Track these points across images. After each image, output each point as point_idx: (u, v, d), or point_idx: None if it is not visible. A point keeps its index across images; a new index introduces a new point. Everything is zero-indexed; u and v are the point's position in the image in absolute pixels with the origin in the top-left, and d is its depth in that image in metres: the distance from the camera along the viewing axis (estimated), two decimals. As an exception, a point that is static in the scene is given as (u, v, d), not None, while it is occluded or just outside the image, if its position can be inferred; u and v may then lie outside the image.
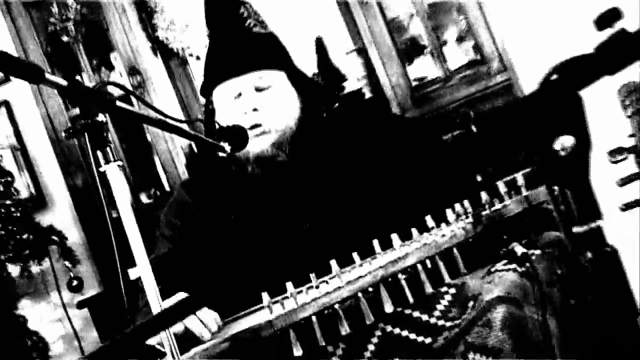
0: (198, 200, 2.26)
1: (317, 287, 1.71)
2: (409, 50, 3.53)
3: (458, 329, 1.69)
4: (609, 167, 1.69)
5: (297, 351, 1.65)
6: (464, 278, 1.77)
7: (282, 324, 1.66)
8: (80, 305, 3.45)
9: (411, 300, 1.72)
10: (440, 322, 1.75)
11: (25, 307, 3.83)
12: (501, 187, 1.91)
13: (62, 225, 3.76)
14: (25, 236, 3.54)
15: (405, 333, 1.74)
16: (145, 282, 1.45)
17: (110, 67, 3.70)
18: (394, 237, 1.77)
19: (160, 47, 3.64)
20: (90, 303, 3.46)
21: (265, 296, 1.68)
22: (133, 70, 3.46)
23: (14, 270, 3.69)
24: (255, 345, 1.68)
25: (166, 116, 1.67)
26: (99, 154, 1.36)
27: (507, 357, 1.62)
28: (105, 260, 3.55)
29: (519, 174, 1.93)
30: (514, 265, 1.75)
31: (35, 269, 3.70)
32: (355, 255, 1.74)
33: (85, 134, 1.38)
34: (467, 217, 1.82)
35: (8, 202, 3.56)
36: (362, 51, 3.54)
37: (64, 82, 1.34)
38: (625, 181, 1.69)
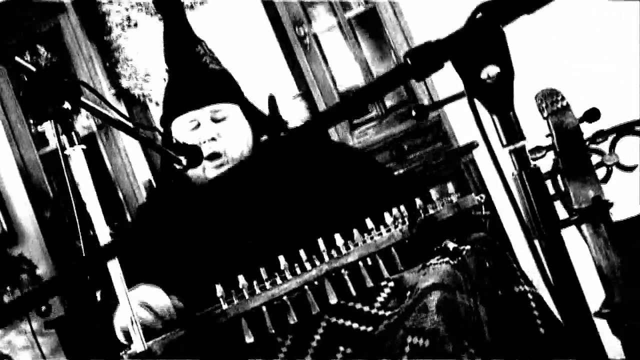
0: (156, 214, 2.22)
1: (266, 280, 1.67)
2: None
3: (397, 316, 1.66)
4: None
5: (249, 338, 1.62)
6: (402, 273, 1.76)
7: (234, 312, 1.62)
8: (47, 325, 3.34)
9: (354, 293, 1.71)
10: (381, 312, 1.73)
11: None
12: (433, 193, 1.90)
13: (33, 256, 3.66)
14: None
15: (348, 323, 1.71)
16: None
17: (77, 111, 3.64)
18: (337, 236, 1.75)
19: (123, 94, 3.60)
20: (58, 324, 3.35)
21: (218, 287, 1.63)
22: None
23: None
24: (210, 333, 1.63)
25: (127, 120, 1.63)
26: (64, 138, 1.30)
27: (442, 338, 1.59)
28: (71, 286, 3.44)
29: (450, 183, 1.92)
30: (446, 259, 1.74)
31: (6, 298, 3.60)
32: (301, 252, 1.71)
33: (52, 120, 1.32)
34: (403, 221, 1.81)
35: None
36: (306, 95, 3.54)
37: (32, 68, 1.28)
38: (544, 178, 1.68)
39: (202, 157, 1.92)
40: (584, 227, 1.73)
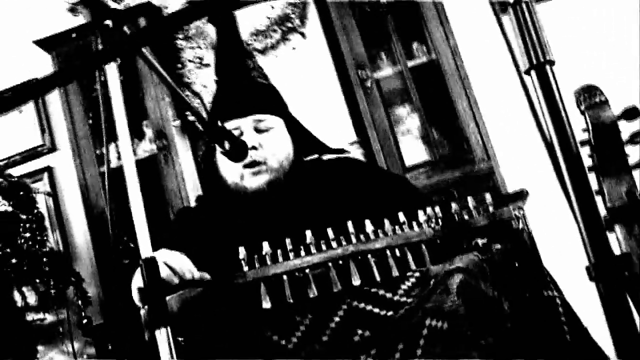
0: (203, 210, 2.25)
1: (290, 250, 1.66)
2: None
3: (418, 298, 1.63)
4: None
5: (266, 304, 1.60)
6: (429, 266, 1.72)
7: (254, 276, 1.61)
8: (85, 332, 3.36)
9: (378, 278, 1.68)
10: (403, 299, 1.69)
11: (40, 353, 3.72)
12: (470, 201, 1.88)
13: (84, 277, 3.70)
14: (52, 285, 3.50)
15: (369, 307, 1.67)
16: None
17: (141, 136, 3.75)
18: (367, 222, 1.74)
19: (187, 126, 3.70)
20: (95, 331, 3.37)
21: (241, 250, 1.63)
22: (160, 134, 3.50)
23: (33, 316, 3.61)
24: (228, 292, 1.62)
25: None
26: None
27: (461, 320, 1.54)
28: (114, 312, 3.48)
29: (488, 194, 1.90)
30: (475, 252, 1.70)
31: (51, 317, 3.63)
32: (329, 230, 1.70)
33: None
34: (436, 221, 1.79)
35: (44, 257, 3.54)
36: (363, 143, 3.57)
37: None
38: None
39: (246, 153, 1.94)
40: (617, 227, 1.67)
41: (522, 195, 3.13)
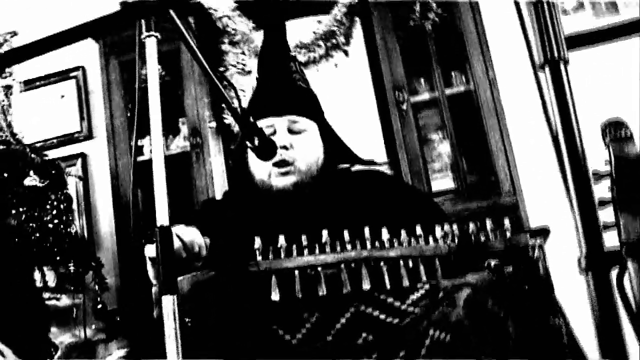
0: (227, 202, 2.27)
1: (305, 247, 1.68)
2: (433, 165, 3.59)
3: (425, 308, 1.63)
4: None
5: (275, 295, 1.61)
6: (440, 280, 1.73)
7: (267, 267, 1.63)
8: (97, 315, 3.39)
9: (388, 286, 1.68)
10: (410, 309, 1.70)
11: (52, 335, 3.75)
12: (488, 224, 1.88)
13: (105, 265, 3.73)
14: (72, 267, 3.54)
15: (376, 313, 1.68)
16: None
17: (176, 132, 3.80)
18: (384, 230, 1.75)
19: (223, 129, 3.74)
20: (108, 315, 3.40)
21: (257, 239, 1.64)
22: (195, 132, 3.55)
23: (49, 296, 3.64)
24: (240, 280, 1.63)
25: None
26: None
27: (464, 334, 1.55)
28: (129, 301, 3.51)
29: (507, 219, 1.90)
30: (486, 271, 1.71)
31: (67, 300, 3.66)
32: (345, 232, 1.71)
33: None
34: (452, 239, 1.80)
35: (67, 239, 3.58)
36: (393, 164, 3.58)
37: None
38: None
39: (274, 152, 1.96)
40: (629, 263, 1.67)
41: (544, 232, 3.11)
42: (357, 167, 2.33)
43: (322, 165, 2.19)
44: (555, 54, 0.85)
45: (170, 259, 1.19)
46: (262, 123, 2.16)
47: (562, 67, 0.86)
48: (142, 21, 1.33)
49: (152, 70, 1.29)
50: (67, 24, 1.56)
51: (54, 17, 4.00)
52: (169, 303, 1.16)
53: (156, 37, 1.33)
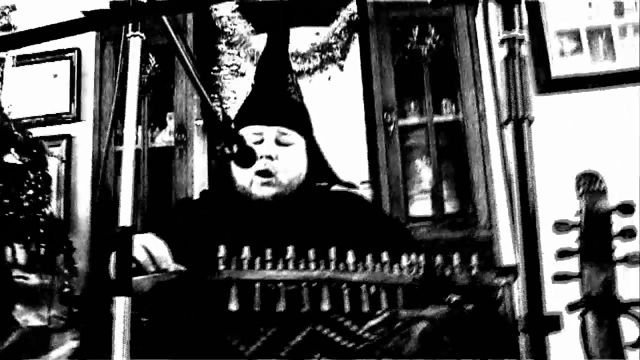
0: (203, 204, 2.27)
1: (269, 260, 1.68)
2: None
3: (380, 337, 1.64)
4: (551, 236, 1.67)
5: (234, 306, 1.61)
6: (400, 310, 1.74)
7: (228, 276, 1.63)
8: (62, 300, 3.36)
9: (347, 309, 1.68)
10: (366, 335, 1.70)
11: (17, 312, 3.72)
12: (455, 258, 1.89)
13: (78, 249, 3.70)
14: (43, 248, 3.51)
15: (332, 335, 1.69)
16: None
17: (163, 126, 3.79)
18: (349, 253, 1.75)
19: (206, 118, 3.74)
20: (73, 300, 3.38)
21: (221, 248, 1.64)
22: (181, 128, 3.55)
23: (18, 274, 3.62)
24: (200, 286, 1.63)
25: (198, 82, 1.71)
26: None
27: (416, 367, 1.56)
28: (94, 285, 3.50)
29: (474, 256, 1.91)
30: (447, 307, 1.72)
31: (35, 280, 3.64)
32: (310, 252, 1.71)
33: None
34: (417, 270, 1.80)
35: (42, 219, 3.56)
36: (374, 184, 3.59)
37: None
38: (562, 254, 1.66)
39: (253, 161, 1.96)
40: (588, 315, 1.68)
41: (513, 270, 3.12)
42: (336, 187, 2.33)
43: (303, 181, 2.19)
44: (520, 113, 0.86)
45: (128, 261, 1.19)
46: (250, 130, 2.16)
47: (525, 126, 0.87)
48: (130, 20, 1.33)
49: (134, 71, 1.29)
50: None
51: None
52: (121, 305, 1.15)
53: (141, 37, 1.33)
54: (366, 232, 2.11)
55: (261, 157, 2.08)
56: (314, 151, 2.27)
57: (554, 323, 0.85)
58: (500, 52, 0.91)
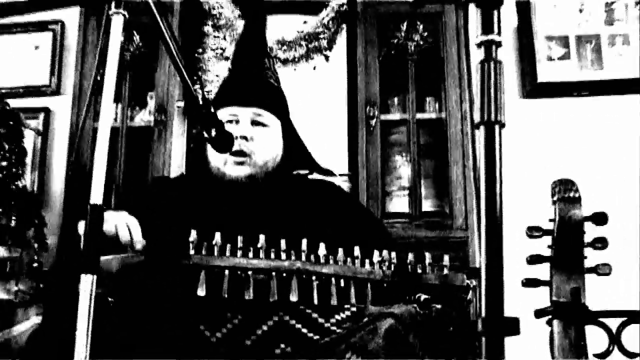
0: (178, 185, 2.27)
1: (240, 248, 1.68)
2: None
3: (346, 331, 1.66)
4: (524, 241, 1.69)
5: (202, 291, 1.61)
6: (368, 305, 1.75)
7: (198, 261, 1.64)
8: (28, 275, 3.35)
9: (315, 302, 1.70)
10: (333, 328, 1.73)
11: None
12: (427, 257, 1.91)
13: (50, 225, 3.67)
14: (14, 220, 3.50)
15: (298, 326, 1.71)
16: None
17: (143, 105, 3.78)
18: (322, 246, 1.77)
19: (187, 100, 3.73)
20: (40, 275, 3.36)
21: (193, 232, 1.65)
22: (161, 109, 3.54)
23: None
24: (169, 269, 1.64)
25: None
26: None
27: (380, 364, 1.57)
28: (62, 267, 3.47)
29: (447, 256, 1.93)
30: (414, 305, 1.73)
31: (3, 252, 3.62)
32: (282, 241, 1.72)
33: None
34: (388, 266, 1.82)
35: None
36: (352, 178, 3.60)
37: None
38: (533, 260, 1.68)
39: (231, 146, 1.97)
40: (555, 322, 1.70)
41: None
42: (315, 176, 2.35)
43: (278, 164, 2.21)
44: (492, 117, 0.87)
45: (97, 239, 1.19)
46: (226, 111, 2.18)
47: (496, 130, 0.88)
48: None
49: (114, 49, 1.29)
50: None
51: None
52: (87, 282, 1.16)
53: (123, 15, 1.33)
54: (340, 224, 2.13)
55: (236, 137, 2.09)
56: (290, 135, 2.29)
57: (512, 326, 0.86)
58: (478, 55, 0.92)
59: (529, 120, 3.58)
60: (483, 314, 0.85)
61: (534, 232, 1.71)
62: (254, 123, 2.18)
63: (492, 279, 0.86)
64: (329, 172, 2.38)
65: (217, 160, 2.15)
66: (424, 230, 3.39)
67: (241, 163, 2.13)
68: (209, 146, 2.17)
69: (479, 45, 0.90)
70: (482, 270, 0.88)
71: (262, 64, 2.33)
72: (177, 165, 3.55)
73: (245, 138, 2.13)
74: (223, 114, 2.18)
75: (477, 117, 0.89)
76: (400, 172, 3.63)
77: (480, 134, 0.92)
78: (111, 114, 1.40)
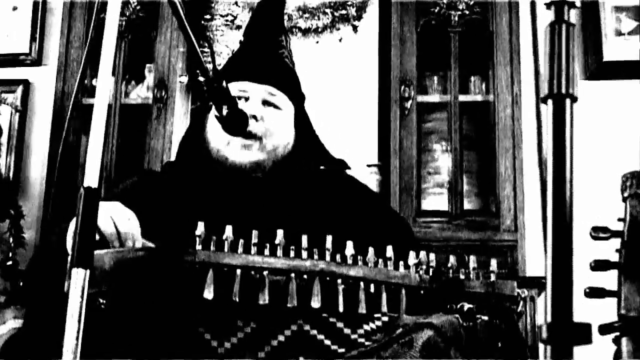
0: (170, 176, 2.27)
1: (254, 244, 1.68)
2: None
3: (376, 344, 1.65)
4: (588, 243, 1.68)
5: (209, 294, 1.60)
6: (402, 315, 1.75)
7: (205, 258, 1.63)
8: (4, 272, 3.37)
9: (341, 309, 1.69)
10: (361, 340, 1.72)
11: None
12: (471, 261, 1.90)
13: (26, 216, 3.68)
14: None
15: (321, 337, 1.70)
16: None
17: (140, 79, 3.79)
18: (349, 243, 1.76)
19: (195, 86, 3.75)
20: (15, 275, 3.38)
21: (200, 225, 1.65)
22: (161, 84, 3.55)
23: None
24: (172, 267, 1.64)
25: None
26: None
27: (415, 383, 1.57)
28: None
29: (494, 260, 1.92)
30: (457, 315, 1.73)
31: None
32: (304, 237, 1.72)
33: None
34: (426, 270, 1.81)
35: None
36: (383, 168, 3.60)
37: None
38: (598, 266, 1.67)
39: (245, 128, 1.98)
40: (623, 340, 1.69)
41: (539, 283, 3.14)
42: (331, 169, 2.35)
43: (289, 153, 2.21)
44: (563, 89, 0.86)
45: (92, 228, 1.20)
46: (235, 86, 2.18)
47: (567, 104, 0.87)
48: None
49: (113, 11, 1.29)
50: None
51: None
52: (79, 277, 1.17)
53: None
54: (369, 221, 2.13)
55: None
56: (303, 123, 2.30)
57: (584, 334, 0.86)
58: (546, 17, 0.91)
59: (594, 104, 3.55)
60: (549, 319, 0.84)
61: (600, 233, 1.70)
62: (266, 103, 2.18)
63: (560, 278, 0.85)
64: (342, 164, 2.38)
65: (218, 140, 2.15)
66: (465, 232, 3.38)
67: (248, 146, 2.13)
68: (208, 123, 2.18)
69: (548, 6, 0.89)
70: (548, 272, 0.87)
71: (277, 42, 2.34)
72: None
73: (255, 118, 2.13)
74: (231, 88, 2.17)
75: (544, 90, 0.88)
76: (438, 164, 3.64)
77: (547, 109, 0.91)
78: (108, 88, 1.40)
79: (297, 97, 2.28)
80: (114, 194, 2.22)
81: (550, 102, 0.89)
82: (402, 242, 2.09)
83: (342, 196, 2.22)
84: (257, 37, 2.33)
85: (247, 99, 2.17)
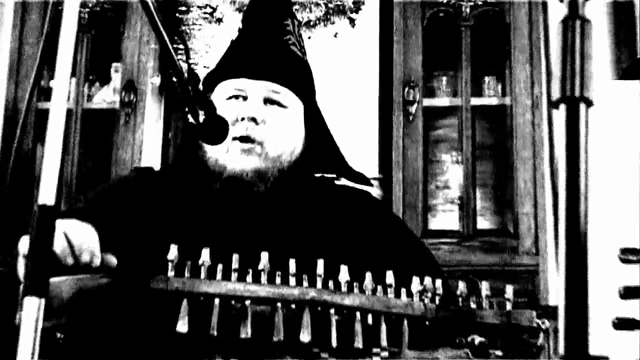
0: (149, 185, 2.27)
1: (234, 270, 1.68)
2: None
3: (375, 384, 1.66)
4: (617, 267, 1.69)
5: (182, 326, 1.60)
6: (404, 349, 1.75)
7: (179, 286, 1.63)
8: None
9: (334, 344, 1.69)
10: (357, 379, 1.72)
11: None
12: (484, 287, 1.90)
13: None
14: None
15: (312, 376, 1.70)
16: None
17: (105, 80, 3.80)
18: (343, 268, 1.76)
19: (167, 89, 3.76)
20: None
21: (173, 248, 1.65)
22: (130, 86, 3.55)
23: None
24: (140, 296, 1.64)
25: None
26: None
27: None
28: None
29: (510, 286, 1.93)
30: (466, 350, 1.73)
31: None
32: (291, 262, 1.72)
33: None
34: (432, 298, 1.82)
35: None
36: (384, 182, 3.61)
37: None
38: (628, 293, 1.69)
39: (224, 136, 1.97)
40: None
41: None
42: (344, 182, 2.34)
43: (296, 160, 2.19)
44: (577, 91, 0.87)
45: (47, 250, 1.21)
46: (231, 84, 2.16)
47: (582, 108, 0.88)
48: None
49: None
50: None
51: None
52: (32, 307, 1.17)
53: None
54: (370, 243, 2.13)
55: (242, 119, 2.08)
56: (315, 123, 2.26)
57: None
58: (558, 13, 0.92)
59: (625, 107, 3.55)
60: (561, 351, 0.85)
61: (629, 255, 1.71)
62: (268, 101, 2.14)
63: (574, 307, 0.86)
64: (363, 179, 2.36)
65: (216, 148, 2.11)
66: (478, 254, 3.39)
67: (248, 151, 2.11)
68: None
69: (561, -1, 0.90)
70: (560, 300, 0.87)
71: (282, 27, 2.31)
72: (150, 161, 3.55)
73: (254, 120, 2.10)
74: (226, 87, 2.16)
75: (555, 94, 0.88)
76: (448, 177, 3.65)
77: (559, 114, 0.92)
78: (66, 89, 1.41)
79: (307, 93, 2.25)
80: (89, 201, 2.22)
81: (562, 106, 0.90)
82: (429, 273, 2.10)
83: (360, 219, 2.21)
84: (257, 22, 2.30)
85: (245, 97, 2.14)
